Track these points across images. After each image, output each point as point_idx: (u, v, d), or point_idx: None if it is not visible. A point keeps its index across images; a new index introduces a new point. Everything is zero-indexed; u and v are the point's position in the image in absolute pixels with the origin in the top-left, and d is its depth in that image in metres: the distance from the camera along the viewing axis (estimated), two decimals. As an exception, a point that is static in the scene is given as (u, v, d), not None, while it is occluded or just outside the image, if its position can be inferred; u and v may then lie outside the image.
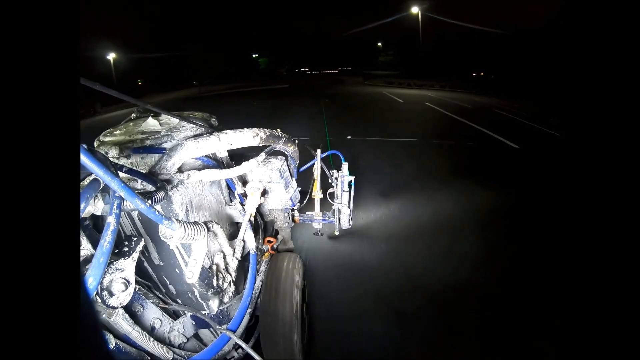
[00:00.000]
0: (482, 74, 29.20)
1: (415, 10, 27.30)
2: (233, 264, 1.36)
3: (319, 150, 2.52)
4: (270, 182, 1.77)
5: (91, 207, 0.87)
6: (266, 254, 1.85)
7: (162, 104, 13.77)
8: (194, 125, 1.42)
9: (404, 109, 12.21)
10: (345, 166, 2.62)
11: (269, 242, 1.94)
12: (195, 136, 1.32)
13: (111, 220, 0.81)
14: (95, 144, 1.33)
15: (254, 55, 45.96)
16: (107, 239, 0.78)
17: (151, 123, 1.39)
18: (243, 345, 1.20)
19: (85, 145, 0.73)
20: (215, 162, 1.50)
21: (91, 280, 0.75)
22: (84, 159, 0.70)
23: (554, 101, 13.28)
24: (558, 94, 14.26)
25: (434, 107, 12.05)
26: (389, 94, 17.96)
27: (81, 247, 0.92)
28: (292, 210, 2.40)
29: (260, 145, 1.44)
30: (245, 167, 1.43)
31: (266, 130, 1.45)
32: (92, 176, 0.84)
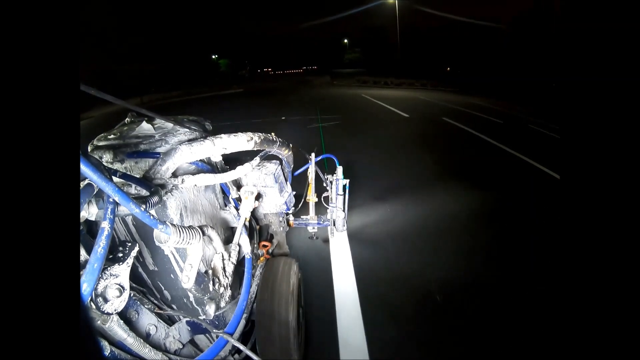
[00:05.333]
0: (448, 69, 28.93)
1: (391, -1, 25.97)
2: (229, 269, 1.35)
3: (313, 154, 2.52)
4: (265, 186, 1.77)
5: (85, 212, 0.86)
6: (261, 259, 1.85)
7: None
8: (188, 130, 1.42)
9: (431, 140, 6.57)
10: (339, 170, 2.63)
11: (264, 246, 1.93)
12: (190, 140, 1.32)
13: (105, 225, 0.80)
14: (89, 148, 1.32)
15: (213, 57, 44.49)
16: (101, 244, 0.77)
17: (145, 127, 1.39)
18: (241, 347, 1.19)
19: None
20: (209, 167, 1.50)
21: (85, 286, 0.74)
22: None
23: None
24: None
25: (465, 130, 7.19)
26: (373, 99, 13.31)
27: (74, 253, 0.91)
28: (287, 214, 2.40)
29: (255, 149, 1.45)
30: (239, 172, 1.43)
31: (260, 134, 1.46)
32: (86, 181, 0.83)
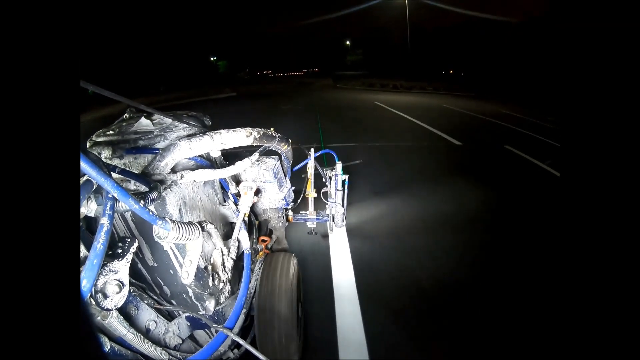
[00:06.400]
0: (451, 71, 28.35)
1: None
2: (228, 264, 1.35)
3: (312, 150, 2.52)
4: (264, 182, 1.77)
5: (84, 208, 0.86)
6: (260, 253, 1.85)
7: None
8: (187, 125, 1.42)
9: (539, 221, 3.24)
10: (338, 165, 2.63)
11: (263, 241, 1.94)
12: (189, 136, 1.31)
13: (104, 221, 0.80)
14: (88, 144, 1.31)
15: (212, 58, 43.74)
16: (100, 240, 0.77)
17: (144, 123, 1.38)
18: (241, 341, 1.19)
19: None
20: (208, 162, 1.49)
21: (85, 283, 0.74)
22: None
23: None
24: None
25: (553, 176, 4.49)
26: (392, 109, 10.39)
27: (74, 249, 0.91)
28: (286, 209, 2.40)
29: (254, 144, 1.44)
30: (238, 167, 1.42)
31: (260, 129, 1.45)
32: (85, 177, 0.83)
